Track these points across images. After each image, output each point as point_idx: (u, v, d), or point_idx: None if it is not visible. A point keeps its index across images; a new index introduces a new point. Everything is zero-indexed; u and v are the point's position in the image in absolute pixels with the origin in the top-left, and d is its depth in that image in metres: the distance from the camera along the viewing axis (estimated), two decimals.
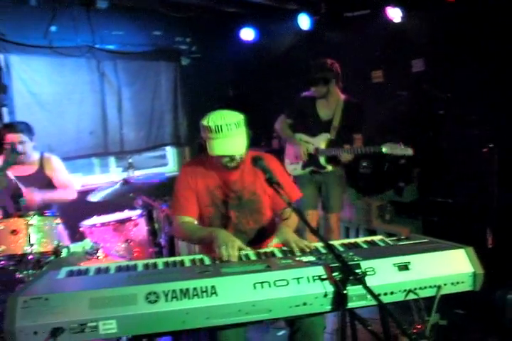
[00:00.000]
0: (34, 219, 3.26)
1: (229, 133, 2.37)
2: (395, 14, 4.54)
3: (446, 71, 4.47)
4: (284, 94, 4.38)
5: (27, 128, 3.75)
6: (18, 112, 4.39)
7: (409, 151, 3.66)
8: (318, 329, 2.35)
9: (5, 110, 4.31)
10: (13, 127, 3.70)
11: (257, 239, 2.64)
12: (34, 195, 3.50)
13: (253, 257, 2.19)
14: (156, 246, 3.93)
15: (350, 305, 1.87)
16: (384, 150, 3.71)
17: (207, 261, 2.19)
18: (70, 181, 3.89)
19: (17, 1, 4.36)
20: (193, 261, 2.19)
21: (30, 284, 1.96)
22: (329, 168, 4.10)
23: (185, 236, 2.64)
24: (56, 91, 4.72)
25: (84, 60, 4.89)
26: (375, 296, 1.78)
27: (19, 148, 3.66)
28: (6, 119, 4.28)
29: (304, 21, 5.19)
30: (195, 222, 2.61)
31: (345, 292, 1.82)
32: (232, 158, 2.46)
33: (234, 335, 2.38)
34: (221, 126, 2.36)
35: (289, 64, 5.55)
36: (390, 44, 4.84)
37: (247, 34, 5.68)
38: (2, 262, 3.24)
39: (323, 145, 4.08)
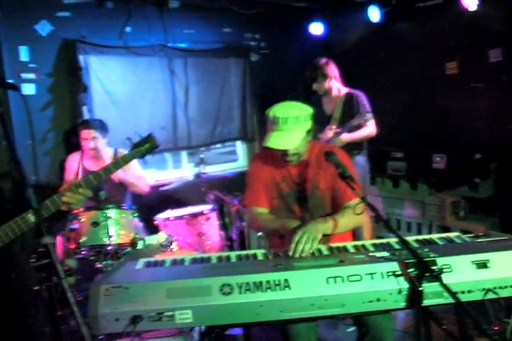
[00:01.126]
0: (112, 212, 3.41)
1: (285, 127, 2.36)
2: (470, 2, 4.35)
3: None
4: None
5: (101, 126, 3.95)
6: (96, 110, 4.59)
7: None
8: (388, 333, 2.31)
9: (85, 108, 4.52)
10: (87, 124, 3.94)
11: None
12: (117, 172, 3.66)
13: (325, 252, 2.19)
14: (228, 240, 4.00)
15: (426, 302, 1.83)
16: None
17: (279, 255, 2.20)
18: (143, 175, 4.04)
19: (95, 4, 4.55)
20: (265, 254, 2.21)
21: (111, 273, 2.06)
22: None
23: (260, 226, 2.68)
24: (129, 89, 4.89)
25: (157, 58, 5.03)
26: (453, 294, 1.74)
27: (91, 143, 3.86)
28: (86, 117, 4.48)
29: (374, 13, 5.09)
30: (265, 212, 2.62)
31: (420, 289, 1.79)
32: (285, 152, 2.45)
33: (305, 329, 2.39)
34: (279, 118, 2.37)
35: (359, 58, 5.47)
36: (465, 34, 4.65)
37: (316, 28, 5.63)
38: (83, 252, 3.41)
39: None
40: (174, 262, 2.18)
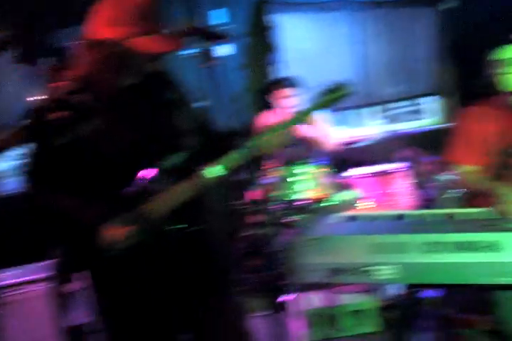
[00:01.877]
0: (304, 168, 3.50)
1: None
2: None
3: None
4: None
5: (294, 83, 4.01)
6: (288, 68, 4.70)
7: None
8: None
9: (277, 67, 4.65)
10: (287, 82, 4.02)
11: None
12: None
13: None
14: (421, 199, 3.88)
15: None
16: None
17: (490, 214, 2.03)
18: (328, 132, 4.03)
19: None
20: (473, 213, 2.06)
21: (309, 226, 2.10)
22: None
23: (465, 185, 2.55)
24: (316, 46, 4.92)
25: (343, 12, 4.95)
26: None
27: (291, 101, 3.94)
28: (279, 75, 4.61)
29: None
30: (476, 170, 2.43)
31: None
32: None
33: (508, 297, 2.22)
34: None
35: None
36: None
37: None
38: (273, 207, 3.56)
39: None
40: (369, 218, 2.16)
